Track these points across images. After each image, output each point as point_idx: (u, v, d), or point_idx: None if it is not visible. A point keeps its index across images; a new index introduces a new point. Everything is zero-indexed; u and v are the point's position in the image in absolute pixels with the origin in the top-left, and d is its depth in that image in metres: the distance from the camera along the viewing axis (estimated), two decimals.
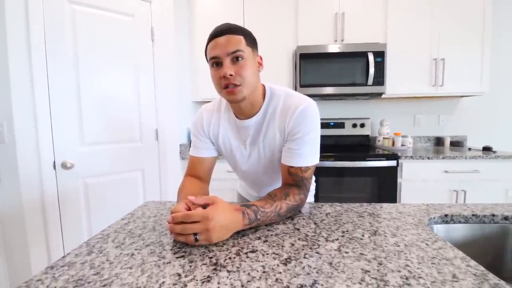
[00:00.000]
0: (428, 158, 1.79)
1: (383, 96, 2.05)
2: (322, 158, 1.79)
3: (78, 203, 1.51)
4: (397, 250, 0.51)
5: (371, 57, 1.92)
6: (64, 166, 1.44)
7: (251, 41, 0.70)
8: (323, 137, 2.45)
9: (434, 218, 0.68)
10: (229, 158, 0.86)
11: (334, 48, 1.97)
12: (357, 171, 1.81)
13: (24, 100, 1.33)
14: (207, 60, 0.71)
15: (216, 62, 0.67)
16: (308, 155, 0.70)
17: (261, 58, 0.74)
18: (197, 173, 0.84)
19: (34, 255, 1.39)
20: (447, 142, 2.25)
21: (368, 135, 2.30)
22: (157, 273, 0.45)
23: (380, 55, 1.94)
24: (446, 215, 0.69)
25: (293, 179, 0.70)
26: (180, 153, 1.92)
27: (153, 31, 1.73)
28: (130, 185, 1.69)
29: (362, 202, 0.79)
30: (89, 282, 0.43)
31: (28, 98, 1.34)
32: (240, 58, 0.66)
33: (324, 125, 2.27)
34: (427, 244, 0.53)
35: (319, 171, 1.78)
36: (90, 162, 1.53)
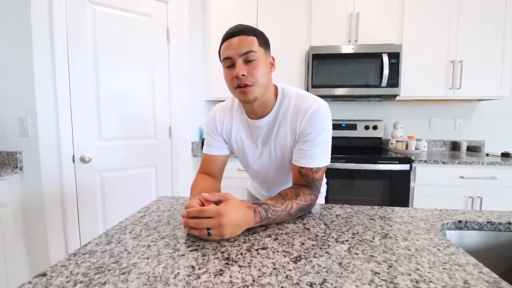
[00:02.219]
0: (443, 163, 1.75)
1: (397, 98, 2.02)
2: (333, 159, 1.78)
3: (94, 195, 1.57)
4: (408, 253, 0.51)
5: (385, 58, 1.89)
6: (82, 160, 1.50)
7: (264, 42, 0.71)
8: (334, 139, 2.42)
9: (447, 223, 0.67)
10: (241, 157, 0.88)
11: (347, 49, 1.95)
12: (368, 173, 1.79)
13: (47, 96, 1.40)
14: (220, 60, 0.72)
15: (229, 63, 0.68)
16: (319, 156, 0.71)
17: (273, 59, 0.75)
18: (210, 171, 0.86)
19: (53, 243, 1.46)
20: (464, 147, 2.19)
21: (380, 138, 2.26)
22: (172, 264, 0.47)
23: (395, 57, 1.91)
24: (459, 221, 0.68)
25: (304, 179, 0.71)
26: (192, 150, 1.95)
27: (169, 31, 1.77)
28: (143, 180, 1.74)
29: (373, 205, 0.79)
30: (109, 270, 0.45)
31: (50, 94, 1.41)
32: (252, 59, 0.67)
33: (336, 126, 2.25)
34: (438, 249, 0.53)
35: (329, 173, 1.77)
36: (107, 157, 1.59)
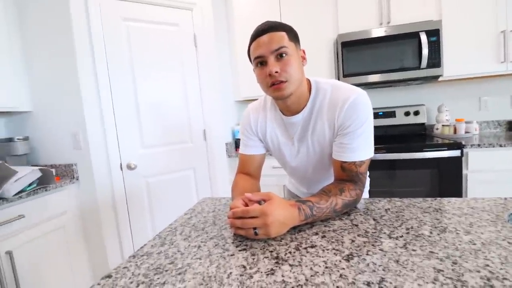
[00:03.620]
0: (500, 146, 1.57)
1: (440, 79, 1.86)
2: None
3: (142, 199, 1.68)
4: (473, 248, 0.46)
5: (423, 37, 1.75)
6: (129, 167, 1.62)
7: (293, 36, 0.69)
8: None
9: None
10: (278, 155, 0.87)
11: (379, 32, 1.85)
12: (413, 163, 1.67)
13: (94, 111, 1.53)
14: (250, 61, 0.71)
15: (260, 62, 0.67)
16: (362, 149, 0.68)
17: (304, 52, 0.73)
18: (248, 170, 0.86)
19: (109, 245, 1.59)
20: None
21: (424, 123, 2.10)
22: (224, 264, 0.48)
23: (434, 34, 1.76)
24: None
25: (347, 174, 0.69)
26: (226, 151, 2.00)
27: (196, 38, 1.82)
28: (184, 182, 1.82)
29: (420, 196, 0.74)
30: (166, 270, 0.48)
31: (96, 108, 1.53)
32: (284, 55, 0.65)
33: (373, 115, 2.14)
34: (509, 243, 0.47)
35: (370, 164, 1.68)
36: (150, 163, 1.69)
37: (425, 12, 1.84)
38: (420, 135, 2.08)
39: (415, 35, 1.78)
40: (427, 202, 0.70)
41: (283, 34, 0.66)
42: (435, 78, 1.86)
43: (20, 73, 1.59)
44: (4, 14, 1.53)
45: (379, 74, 1.88)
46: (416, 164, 1.67)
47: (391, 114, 2.14)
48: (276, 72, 0.65)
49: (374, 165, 1.70)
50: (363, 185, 0.69)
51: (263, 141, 0.86)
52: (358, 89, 0.69)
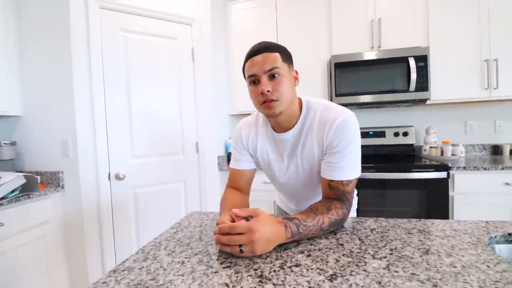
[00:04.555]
0: (485, 169, 1.62)
1: (427, 102, 1.93)
2: (362, 169, 1.68)
3: (128, 211, 1.64)
4: (454, 271, 0.47)
5: (412, 62, 1.83)
6: (117, 177, 1.59)
7: (287, 57, 0.72)
8: (362, 147, 2.36)
9: (495, 237, 0.62)
10: (268, 170, 0.88)
11: (371, 55, 1.92)
12: (402, 183, 1.70)
13: (86, 118, 1.52)
14: (244, 77, 0.74)
15: (254, 80, 0.70)
16: (349, 168, 0.69)
17: (296, 73, 0.76)
18: (238, 185, 0.87)
19: (90, 257, 1.53)
20: (507, 151, 2.01)
21: (412, 144, 2.15)
22: (206, 282, 0.47)
23: (422, 60, 1.84)
24: (510, 234, 0.62)
25: (334, 193, 0.70)
26: (218, 165, 1.99)
27: (194, 52, 1.86)
28: (173, 194, 1.79)
29: (408, 217, 0.75)
30: (147, 287, 0.47)
31: (88, 116, 1.52)
32: (276, 75, 0.68)
33: (363, 134, 2.18)
34: (488, 266, 0.48)
35: (359, 183, 1.68)
36: (139, 173, 1.67)
37: (414, 39, 1.93)
38: (408, 156, 2.12)
39: (404, 60, 1.86)
40: (412, 223, 0.71)
41: (277, 55, 0.69)
42: (423, 101, 1.92)
43: (13, 76, 1.57)
44: (2, 14, 1.52)
45: (370, 95, 1.94)
46: (404, 184, 1.69)
47: (381, 134, 2.18)
48: (268, 91, 0.67)
49: (363, 183, 1.72)
50: (350, 204, 0.70)
51: (253, 156, 0.87)
52: (348, 110, 0.72)
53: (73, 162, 1.51)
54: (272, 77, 0.68)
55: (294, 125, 0.76)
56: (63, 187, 1.53)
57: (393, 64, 1.88)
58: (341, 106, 0.73)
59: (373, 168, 1.73)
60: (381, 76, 1.91)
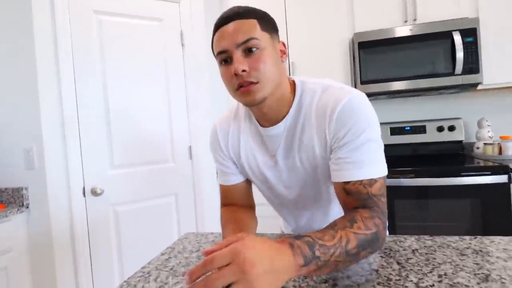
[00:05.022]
0: None
1: (479, 87, 1.90)
2: (397, 174, 1.70)
3: (108, 233, 1.66)
4: None
5: (457, 38, 1.80)
6: (93, 192, 1.61)
7: (269, 25, 0.67)
8: (396, 147, 2.38)
9: None
10: (258, 180, 0.83)
11: (404, 31, 1.91)
12: (449, 191, 1.67)
13: (53, 122, 1.54)
14: (214, 56, 0.69)
15: (225, 58, 0.65)
16: (367, 163, 0.63)
17: (284, 45, 0.71)
18: (234, 202, 0.86)
19: None
20: None
21: (461, 141, 2.13)
22: None
23: (470, 34, 1.82)
24: None
25: (355, 199, 0.64)
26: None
27: (183, 35, 1.88)
28: (162, 212, 1.81)
29: (460, 234, 0.74)
30: None
31: (57, 119, 1.55)
32: (254, 49, 0.62)
33: (397, 130, 2.16)
34: None
35: (393, 192, 1.68)
36: (120, 187, 1.69)
37: (459, 8, 1.91)
38: (457, 156, 2.09)
39: (447, 35, 1.84)
40: (465, 241, 0.69)
41: (254, 22, 0.64)
42: (473, 86, 1.90)
43: None
44: None
45: (405, 81, 1.92)
46: (452, 192, 1.67)
47: (421, 130, 2.16)
48: (244, 71, 0.61)
49: (399, 192, 1.70)
50: (383, 212, 0.63)
51: (237, 164, 0.83)
52: (354, 90, 0.67)
53: (40, 176, 1.52)
54: (248, 51, 0.63)
55: (286, 115, 0.72)
56: (27, 207, 1.55)
57: (433, 41, 1.86)
58: (346, 85, 0.70)
59: (412, 173, 1.71)
60: (418, 57, 1.89)
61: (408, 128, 2.17)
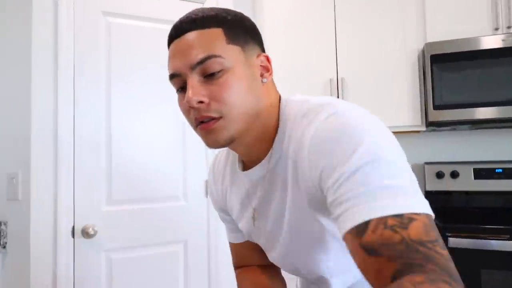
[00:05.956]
0: None
1: None
2: (485, 233, 1.56)
3: (98, 285, 1.62)
4: None
5: None
6: (84, 233, 1.58)
7: (240, 34, 0.59)
8: (482, 196, 2.20)
9: None
10: (254, 239, 0.79)
11: (494, 42, 1.80)
12: None
13: (45, 144, 1.54)
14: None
15: (179, 83, 0.58)
16: (385, 193, 0.43)
17: (267, 59, 0.63)
18: (251, 263, 0.86)
19: None
20: None
21: None
22: None
23: None
24: None
25: (385, 257, 0.40)
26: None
27: None
28: (168, 263, 1.80)
29: None
30: None
31: (49, 141, 1.55)
32: (217, 72, 0.55)
33: (483, 173, 1.99)
34: None
35: (478, 259, 1.53)
36: (117, 228, 1.66)
37: None
38: None
39: None
40: None
41: (217, 32, 0.56)
42: None
43: None
44: None
45: (494, 108, 1.81)
46: None
47: None
48: (201, 102, 0.54)
49: (487, 259, 1.57)
50: (450, 273, 0.38)
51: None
52: (337, 100, 0.58)
53: (23, 208, 1.50)
54: (209, 75, 0.55)
55: (268, 154, 0.64)
56: (4, 247, 1.52)
57: None
58: (327, 98, 0.61)
59: (505, 233, 1.54)
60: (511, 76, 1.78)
61: (500, 170, 2.00)
